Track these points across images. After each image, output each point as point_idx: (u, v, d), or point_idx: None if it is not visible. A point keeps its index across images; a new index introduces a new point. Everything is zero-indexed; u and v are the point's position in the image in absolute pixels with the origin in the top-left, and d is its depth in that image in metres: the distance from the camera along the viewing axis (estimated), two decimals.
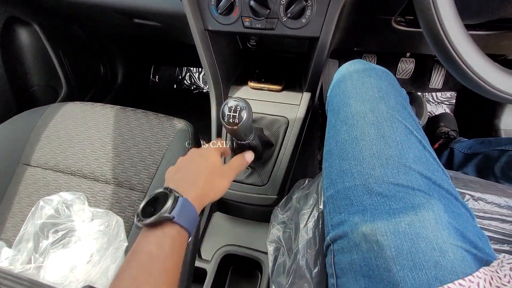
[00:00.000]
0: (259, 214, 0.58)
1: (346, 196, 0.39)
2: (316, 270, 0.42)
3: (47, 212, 0.55)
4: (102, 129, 0.65)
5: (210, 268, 0.51)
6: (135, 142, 0.63)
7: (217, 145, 0.44)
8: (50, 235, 0.53)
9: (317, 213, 0.47)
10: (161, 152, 0.61)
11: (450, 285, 0.28)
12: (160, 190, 0.32)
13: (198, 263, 0.51)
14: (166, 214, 0.29)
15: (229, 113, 0.42)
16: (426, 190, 0.35)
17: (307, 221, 0.46)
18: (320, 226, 0.45)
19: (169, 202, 0.30)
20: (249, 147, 0.51)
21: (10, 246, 0.54)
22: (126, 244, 0.49)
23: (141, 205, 0.31)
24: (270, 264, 0.49)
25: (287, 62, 0.73)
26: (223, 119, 0.42)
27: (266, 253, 0.52)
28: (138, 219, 0.29)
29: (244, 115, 0.42)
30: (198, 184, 0.36)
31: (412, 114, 0.44)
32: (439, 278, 0.29)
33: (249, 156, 0.49)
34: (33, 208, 0.55)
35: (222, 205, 0.60)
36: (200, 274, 0.51)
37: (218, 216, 0.62)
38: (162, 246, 0.28)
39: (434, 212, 0.32)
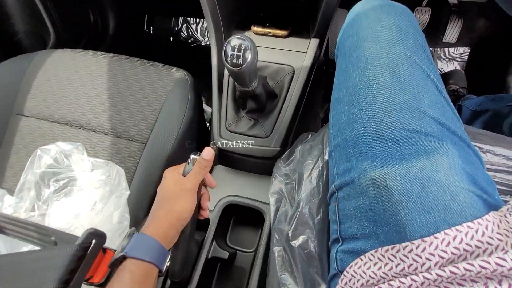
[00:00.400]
0: (261, 167, 0.57)
1: (355, 143, 0.38)
2: (318, 217, 0.42)
3: (46, 161, 0.54)
4: (95, 78, 0.61)
5: (213, 217, 0.51)
6: (132, 91, 0.59)
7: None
8: (51, 184, 0.53)
9: (321, 163, 0.46)
10: (159, 102, 0.58)
11: (458, 227, 0.28)
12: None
13: None
14: (120, 253, 0.32)
15: (233, 53, 0.38)
16: (440, 136, 0.34)
17: (311, 171, 0.45)
18: (324, 176, 0.45)
19: (124, 241, 0.33)
20: (252, 95, 0.48)
21: (12, 195, 0.54)
22: (128, 192, 0.49)
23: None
24: (272, 214, 0.49)
25: (294, 5, 0.66)
26: (226, 60, 0.39)
27: (268, 203, 0.53)
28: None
29: (249, 55, 0.38)
30: (157, 218, 0.36)
31: (430, 57, 0.40)
32: (448, 220, 0.28)
33: (207, 153, 0.41)
34: (31, 157, 0.54)
35: (224, 158, 0.59)
36: (203, 223, 0.52)
37: (219, 169, 0.61)
38: (120, 280, 0.30)
39: (448, 157, 0.31)
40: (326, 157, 0.46)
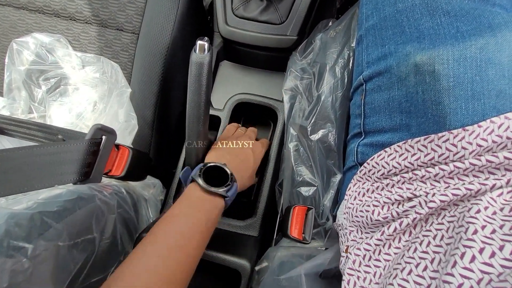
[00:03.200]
0: (274, 61, 0.51)
1: (396, 22, 0.31)
2: (339, 112, 0.39)
3: (28, 57, 0.47)
4: None
5: (224, 116, 0.49)
6: None
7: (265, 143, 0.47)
8: (41, 82, 0.48)
9: (347, 52, 0.40)
10: None
11: (508, 114, 0.25)
12: (220, 164, 0.37)
13: (212, 112, 0.48)
14: (223, 193, 0.34)
15: None
16: (508, 6, 0.27)
17: (335, 61, 0.40)
18: (350, 67, 0.40)
19: (229, 184, 0.35)
20: None
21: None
22: (129, 90, 0.45)
23: (202, 169, 0.35)
24: (286, 111, 0.47)
25: None
26: None
27: (281, 101, 0.49)
28: (202, 182, 0.34)
29: None
30: (244, 179, 0.40)
31: None
32: (498, 107, 0.25)
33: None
34: (7, 52, 0.47)
35: (231, 52, 0.52)
36: (214, 122, 0.50)
37: (226, 65, 0.55)
38: (210, 214, 0.33)
39: None
40: (353, 44, 0.40)
